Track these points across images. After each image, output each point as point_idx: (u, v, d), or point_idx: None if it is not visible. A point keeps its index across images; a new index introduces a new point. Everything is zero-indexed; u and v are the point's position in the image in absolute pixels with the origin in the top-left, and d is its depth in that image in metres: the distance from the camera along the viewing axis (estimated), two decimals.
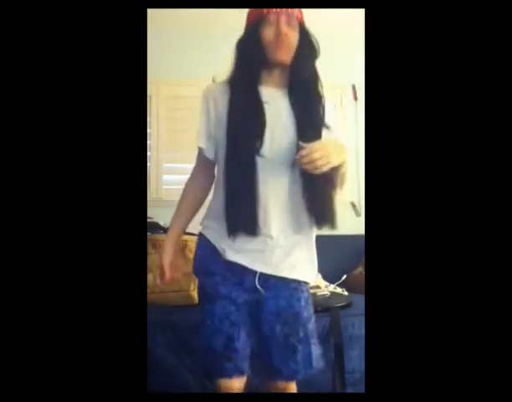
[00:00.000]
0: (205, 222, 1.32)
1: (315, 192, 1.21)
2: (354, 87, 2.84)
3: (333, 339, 1.77)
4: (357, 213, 2.72)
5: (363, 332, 1.78)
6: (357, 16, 2.13)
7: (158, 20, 2.44)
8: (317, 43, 1.24)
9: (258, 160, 1.18)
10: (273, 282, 1.24)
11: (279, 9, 1.20)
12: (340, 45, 2.67)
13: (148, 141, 2.61)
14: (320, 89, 1.23)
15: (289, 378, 1.25)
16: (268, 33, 1.19)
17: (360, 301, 1.82)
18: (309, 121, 1.20)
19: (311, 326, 1.28)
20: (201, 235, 1.31)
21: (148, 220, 2.06)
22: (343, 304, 1.90)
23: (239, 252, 1.23)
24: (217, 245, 1.25)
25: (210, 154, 1.27)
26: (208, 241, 1.27)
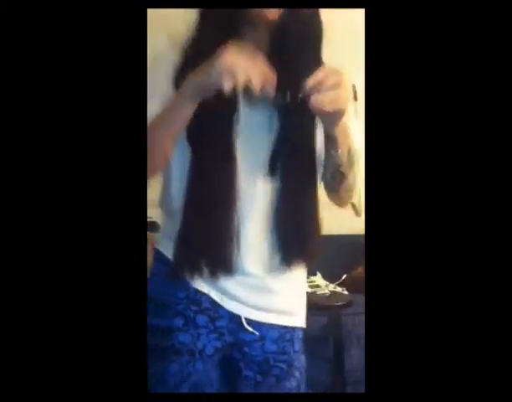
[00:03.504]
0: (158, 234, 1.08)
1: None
2: (354, 87, 2.83)
3: (332, 338, 1.77)
4: (357, 213, 2.71)
5: (363, 330, 1.78)
6: (357, 15, 2.13)
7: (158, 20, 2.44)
8: None
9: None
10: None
11: None
12: (340, 45, 2.66)
13: None
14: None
15: None
16: None
17: (360, 300, 1.82)
18: None
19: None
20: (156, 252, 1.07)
21: (148, 220, 2.06)
22: (343, 303, 1.91)
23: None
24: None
25: None
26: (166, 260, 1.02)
